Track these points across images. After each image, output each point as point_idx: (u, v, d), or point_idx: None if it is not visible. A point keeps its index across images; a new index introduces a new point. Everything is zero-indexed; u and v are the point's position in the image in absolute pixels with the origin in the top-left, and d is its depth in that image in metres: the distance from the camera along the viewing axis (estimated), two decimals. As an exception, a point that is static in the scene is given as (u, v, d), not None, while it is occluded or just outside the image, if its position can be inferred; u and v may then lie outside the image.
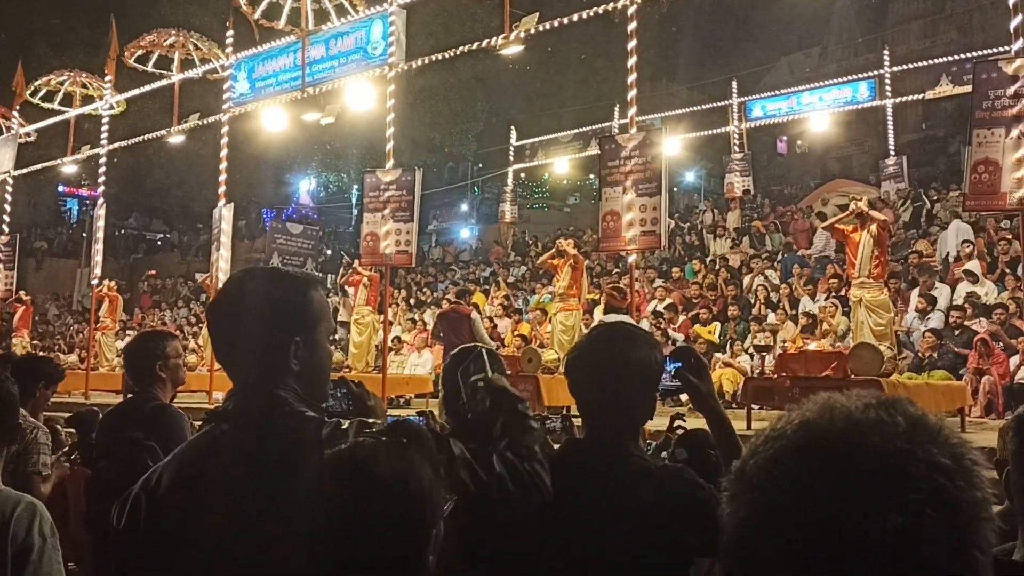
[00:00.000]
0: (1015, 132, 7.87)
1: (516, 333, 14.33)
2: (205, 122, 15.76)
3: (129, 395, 4.00)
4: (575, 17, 11.38)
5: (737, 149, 22.78)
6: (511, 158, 27.17)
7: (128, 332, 18.51)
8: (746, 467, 0.85)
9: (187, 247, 33.14)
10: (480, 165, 35.38)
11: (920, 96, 21.16)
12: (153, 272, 29.71)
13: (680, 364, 2.17)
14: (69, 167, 19.87)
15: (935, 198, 18.71)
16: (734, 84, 23.39)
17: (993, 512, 0.81)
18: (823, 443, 0.81)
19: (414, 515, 1.48)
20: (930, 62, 20.68)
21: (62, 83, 18.07)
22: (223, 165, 14.40)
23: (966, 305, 11.77)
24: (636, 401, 2.09)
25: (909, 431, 0.81)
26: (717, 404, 2.16)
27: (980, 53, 17.60)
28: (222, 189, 14.31)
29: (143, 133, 17.34)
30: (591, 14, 11.30)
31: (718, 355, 12.90)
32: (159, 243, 36.96)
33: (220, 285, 1.97)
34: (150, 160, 26.14)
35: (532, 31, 11.45)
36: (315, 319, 1.80)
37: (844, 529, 0.77)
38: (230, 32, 14.53)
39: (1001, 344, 10.62)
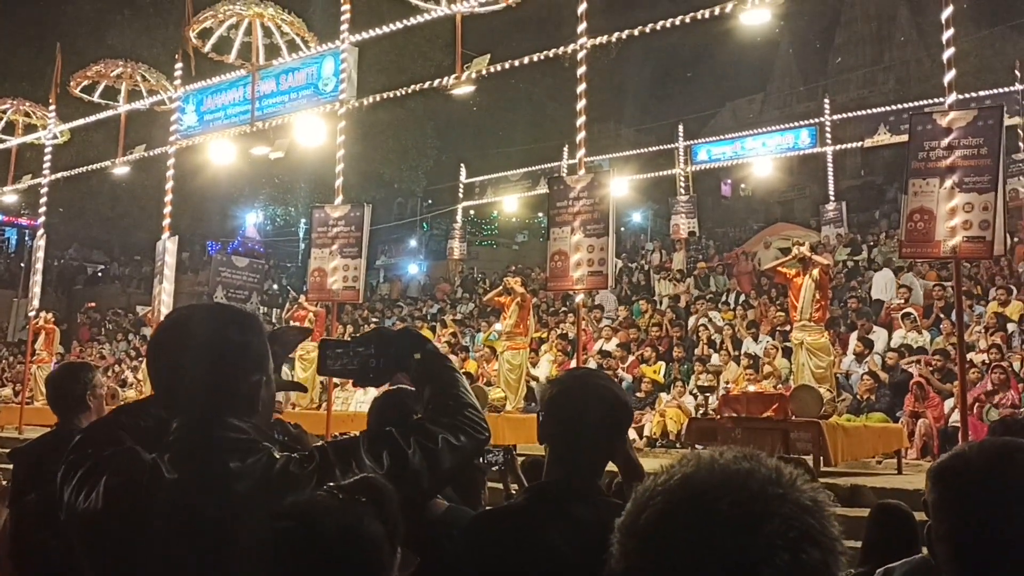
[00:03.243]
0: (948, 182, 8.13)
1: (463, 371, 14.27)
2: (151, 154, 15.59)
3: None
4: (526, 59, 11.54)
5: (683, 191, 23.15)
6: (460, 195, 27.26)
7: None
8: (638, 521, 0.92)
9: (128, 279, 32.54)
10: (429, 201, 35.44)
11: (859, 144, 21.77)
12: (92, 304, 29.09)
13: None
14: (9, 196, 19.46)
15: (872, 243, 19.20)
16: (680, 128, 23.83)
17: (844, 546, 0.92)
18: (709, 493, 0.90)
19: (356, 572, 1.48)
20: (869, 112, 21.33)
21: (4, 111, 17.74)
22: (168, 197, 14.24)
23: (902, 349, 12.07)
24: (613, 440, 2.11)
25: (776, 478, 0.91)
26: (631, 451, 2.20)
27: (916, 104, 18.21)
28: (167, 222, 14.14)
29: (87, 163, 17.06)
30: (541, 57, 11.48)
31: (663, 395, 13.01)
32: (99, 275, 36.22)
33: (162, 319, 1.92)
34: (93, 190, 25.71)
35: (483, 72, 11.57)
36: (267, 357, 1.82)
37: (741, 569, 0.86)
38: (179, 64, 14.44)
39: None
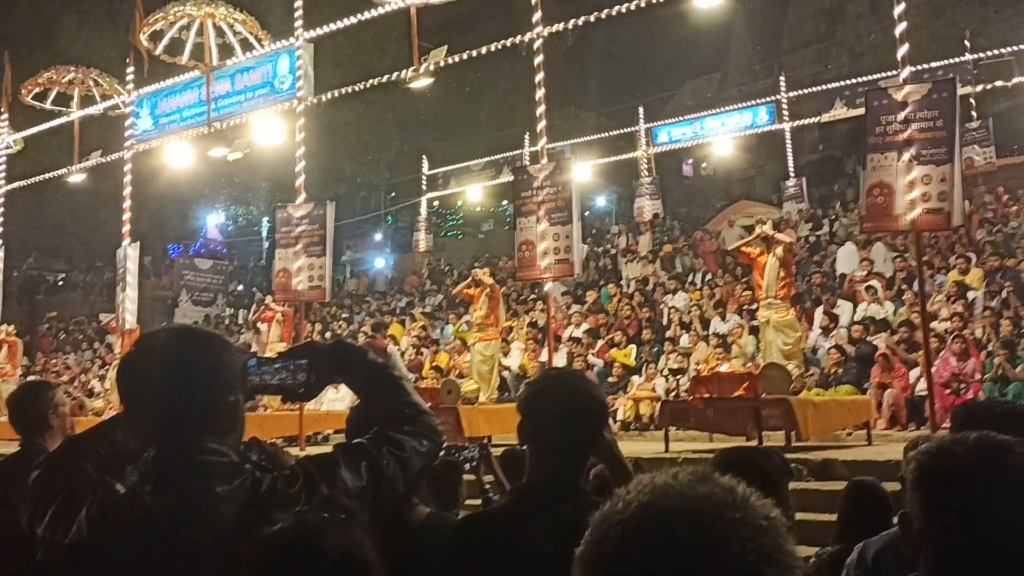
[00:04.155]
0: (906, 156, 8.25)
1: (433, 365, 14.26)
2: (107, 159, 15.38)
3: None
4: (483, 50, 11.51)
5: (646, 173, 23.24)
6: (424, 187, 27.18)
7: (32, 378, 17.77)
8: (600, 551, 0.92)
9: (90, 286, 32.07)
10: (393, 194, 35.26)
11: (816, 119, 21.96)
12: (55, 314, 28.64)
13: None
14: (-37, 208, 19.10)
15: (833, 217, 19.40)
16: (640, 110, 23.91)
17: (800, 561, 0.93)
18: (667, 520, 0.90)
19: None
20: (824, 87, 21.52)
21: (-46, 122, 17.40)
22: (127, 204, 14.07)
23: (866, 321, 12.22)
24: (591, 437, 2.10)
25: (732, 500, 0.92)
26: (618, 451, 2.21)
27: (871, 77, 18.42)
28: (126, 228, 13.98)
29: (43, 172, 16.83)
30: (499, 47, 11.45)
31: (635, 378, 13.08)
32: (60, 283, 35.66)
33: (130, 347, 1.88)
34: (50, 198, 25.28)
35: (441, 64, 11.53)
36: (239, 376, 1.82)
37: None
38: (131, 68, 14.24)
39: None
